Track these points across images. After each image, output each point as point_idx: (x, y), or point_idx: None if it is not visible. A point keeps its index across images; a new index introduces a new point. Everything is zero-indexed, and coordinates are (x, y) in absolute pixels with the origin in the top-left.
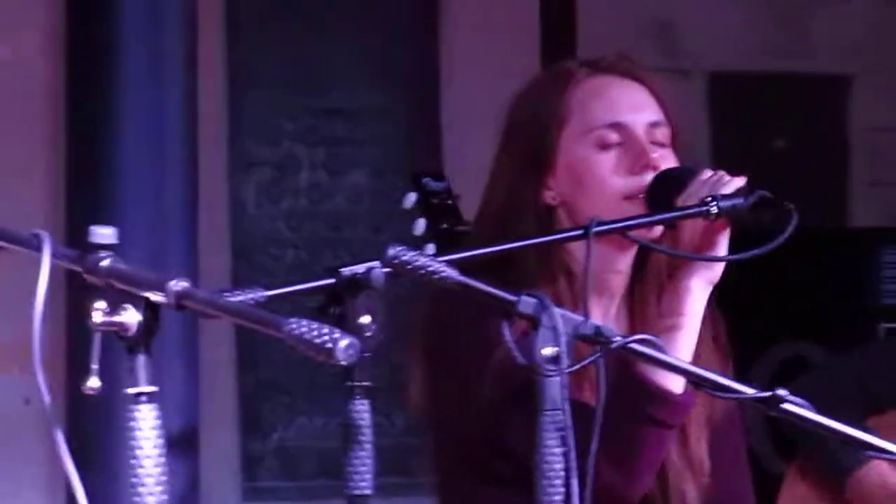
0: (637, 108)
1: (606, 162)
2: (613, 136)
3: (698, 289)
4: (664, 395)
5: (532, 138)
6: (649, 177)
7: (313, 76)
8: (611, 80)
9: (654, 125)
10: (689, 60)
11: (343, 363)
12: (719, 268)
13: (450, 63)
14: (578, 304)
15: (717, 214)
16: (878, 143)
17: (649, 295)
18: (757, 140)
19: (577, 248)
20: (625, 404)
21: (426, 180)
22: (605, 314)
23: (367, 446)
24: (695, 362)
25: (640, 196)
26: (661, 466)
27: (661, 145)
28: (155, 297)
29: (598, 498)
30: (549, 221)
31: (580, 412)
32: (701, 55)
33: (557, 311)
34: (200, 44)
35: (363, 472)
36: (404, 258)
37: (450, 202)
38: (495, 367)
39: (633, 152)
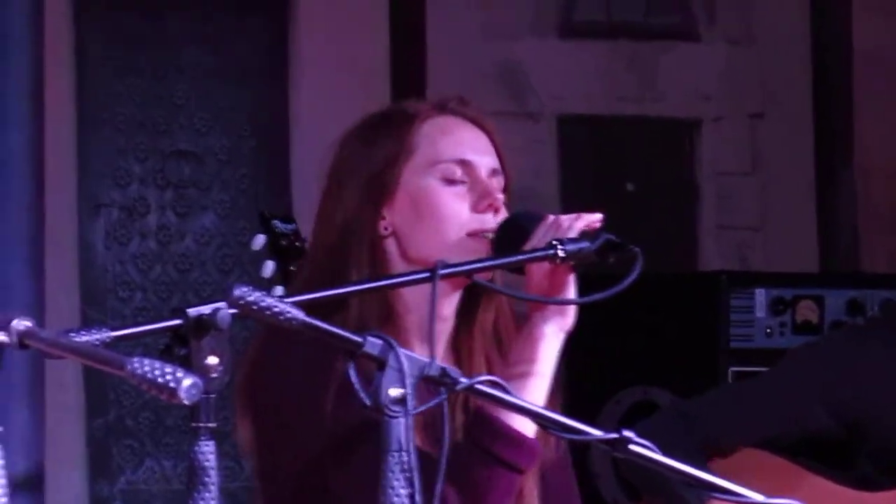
0: (482, 151)
1: (451, 196)
2: (459, 173)
3: (552, 335)
4: (516, 438)
5: (374, 168)
6: (491, 217)
7: (161, 118)
8: (458, 122)
9: (494, 172)
10: (537, 103)
11: (186, 402)
12: (572, 314)
13: (298, 105)
14: (405, 346)
15: (564, 258)
16: (726, 188)
17: (475, 344)
18: (606, 183)
19: (406, 290)
20: (476, 447)
21: (275, 222)
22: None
23: (213, 488)
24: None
25: (483, 235)
26: None
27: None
28: None
29: None
30: (378, 252)
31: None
32: (550, 98)
33: (403, 352)
34: (49, 84)
35: None
36: (249, 299)
37: (298, 244)
38: (322, 418)
39: (477, 191)
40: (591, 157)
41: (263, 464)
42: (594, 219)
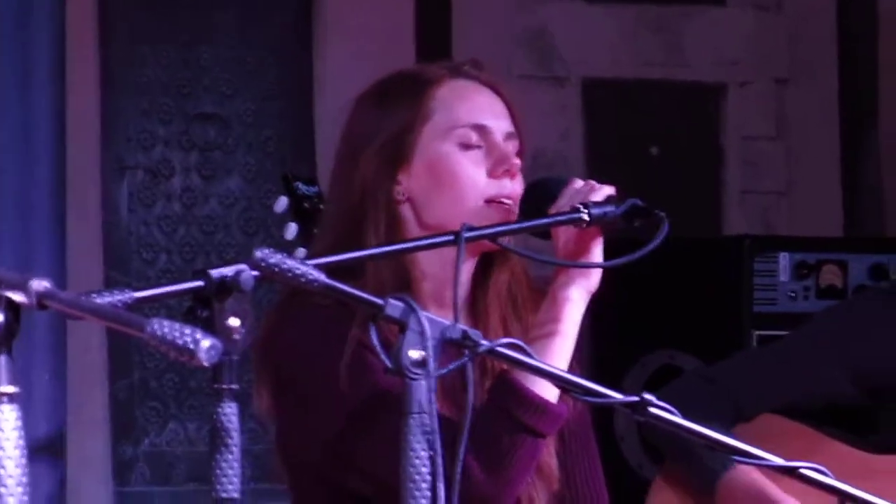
0: (497, 115)
1: (468, 161)
2: (475, 138)
3: (577, 297)
4: (539, 404)
5: (391, 133)
6: (508, 182)
7: (187, 81)
8: (473, 85)
9: (510, 136)
10: (563, 68)
11: (205, 364)
12: (597, 276)
13: (323, 70)
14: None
15: (589, 222)
16: (751, 152)
17: (490, 306)
18: (631, 148)
19: (423, 254)
20: (499, 412)
21: (298, 185)
22: None
23: (235, 450)
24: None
25: (500, 200)
26: None
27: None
28: (16, 296)
29: None
30: (395, 218)
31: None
32: (575, 63)
33: (424, 314)
34: (73, 47)
35: (231, 476)
36: (272, 261)
37: (321, 206)
38: (340, 391)
39: (494, 156)
40: (617, 121)
41: (285, 435)
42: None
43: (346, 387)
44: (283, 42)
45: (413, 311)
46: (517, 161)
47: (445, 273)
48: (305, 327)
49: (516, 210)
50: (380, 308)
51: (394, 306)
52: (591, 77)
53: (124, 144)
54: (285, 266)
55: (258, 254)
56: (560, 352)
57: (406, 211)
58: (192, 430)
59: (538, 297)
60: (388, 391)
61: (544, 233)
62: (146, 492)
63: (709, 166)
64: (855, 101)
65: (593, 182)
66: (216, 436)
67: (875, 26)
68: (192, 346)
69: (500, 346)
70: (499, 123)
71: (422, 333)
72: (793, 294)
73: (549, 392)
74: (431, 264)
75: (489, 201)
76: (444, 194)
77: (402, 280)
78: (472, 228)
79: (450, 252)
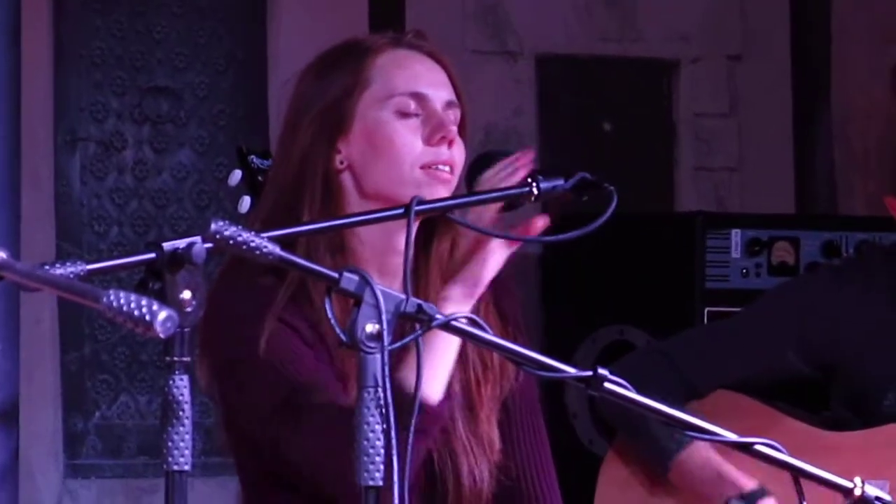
0: (437, 84)
1: (405, 129)
2: (413, 106)
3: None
4: (418, 405)
5: (329, 101)
6: (445, 149)
7: (140, 54)
8: (414, 55)
9: (449, 104)
10: (516, 43)
11: (161, 336)
12: (483, 285)
13: (277, 44)
14: None
15: (538, 195)
16: (704, 129)
17: (432, 273)
18: (584, 123)
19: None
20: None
21: (252, 158)
22: None
23: (187, 422)
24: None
25: (436, 167)
26: (450, 446)
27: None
28: None
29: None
30: (334, 187)
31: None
32: (529, 38)
33: (379, 288)
34: (26, 20)
35: (182, 448)
36: (226, 233)
37: None
38: (265, 376)
39: (431, 124)
40: (570, 96)
41: (225, 411)
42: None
43: (271, 376)
44: (236, 15)
45: (368, 283)
46: (453, 128)
47: (385, 240)
48: (240, 307)
49: (455, 177)
50: (335, 281)
51: (349, 279)
52: (544, 52)
53: (77, 116)
54: (240, 238)
55: (214, 226)
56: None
57: (346, 179)
58: (142, 403)
59: None
60: (312, 381)
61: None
62: (97, 464)
63: (661, 142)
64: (807, 79)
65: (518, 163)
66: (168, 408)
67: (828, 4)
68: (148, 318)
69: (455, 319)
70: (438, 93)
71: (377, 307)
72: (745, 271)
73: (434, 391)
74: (370, 231)
75: (424, 167)
76: (380, 162)
77: (336, 246)
78: (422, 202)
79: (386, 224)
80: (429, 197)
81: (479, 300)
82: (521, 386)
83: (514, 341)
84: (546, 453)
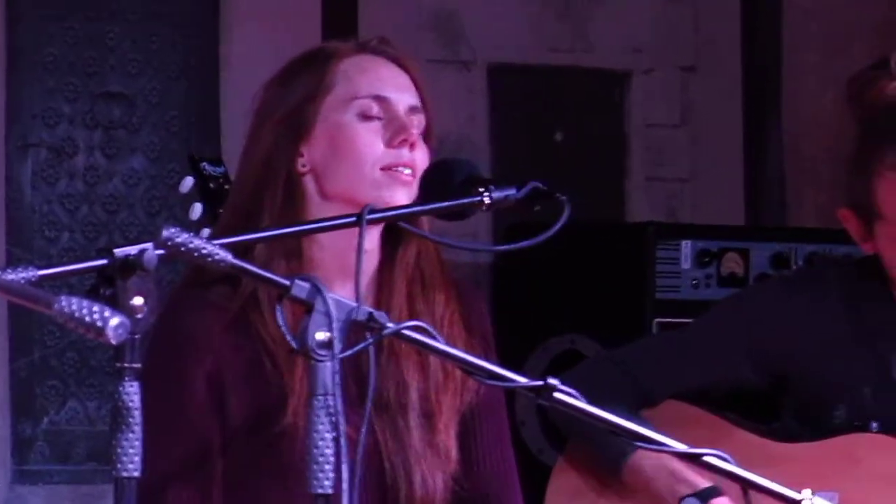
0: (400, 88)
1: (366, 131)
2: (375, 109)
3: None
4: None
5: (292, 105)
6: (406, 152)
7: (92, 59)
8: (377, 60)
9: (413, 109)
10: (469, 52)
11: (113, 342)
12: None
13: (229, 50)
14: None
15: (490, 205)
16: (655, 140)
17: (396, 280)
18: (536, 133)
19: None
20: None
21: (204, 165)
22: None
23: (136, 429)
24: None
25: (397, 169)
26: (403, 453)
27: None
28: None
29: None
30: (297, 190)
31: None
32: (482, 47)
33: (331, 296)
34: None
35: (132, 455)
36: (178, 240)
37: (227, 187)
38: (165, 435)
39: (393, 126)
40: (523, 106)
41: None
42: None
43: (174, 433)
44: (189, 22)
45: (319, 292)
46: (415, 131)
47: (346, 244)
48: (171, 337)
49: (416, 181)
50: (286, 288)
51: (300, 287)
52: (497, 62)
53: (29, 122)
54: (192, 245)
55: (165, 232)
56: None
57: (308, 182)
58: (91, 409)
59: (447, 275)
60: (209, 440)
61: (448, 214)
62: (45, 470)
63: (613, 153)
64: (758, 91)
65: None
66: (118, 415)
67: (779, 16)
68: (100, 324)
69: (406, 328)
70: (401, 96)
71: (328, 314)
72: (695, 281)
73: None
74: (330, 235)
75: (385, 169)
76: (342, 164)
77: (291, 249)
78: (374, 210)
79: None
80: (389, 198)
81: (445, 309)
82: (487, 398)
83: (479, 355)
84: (511, 467)
